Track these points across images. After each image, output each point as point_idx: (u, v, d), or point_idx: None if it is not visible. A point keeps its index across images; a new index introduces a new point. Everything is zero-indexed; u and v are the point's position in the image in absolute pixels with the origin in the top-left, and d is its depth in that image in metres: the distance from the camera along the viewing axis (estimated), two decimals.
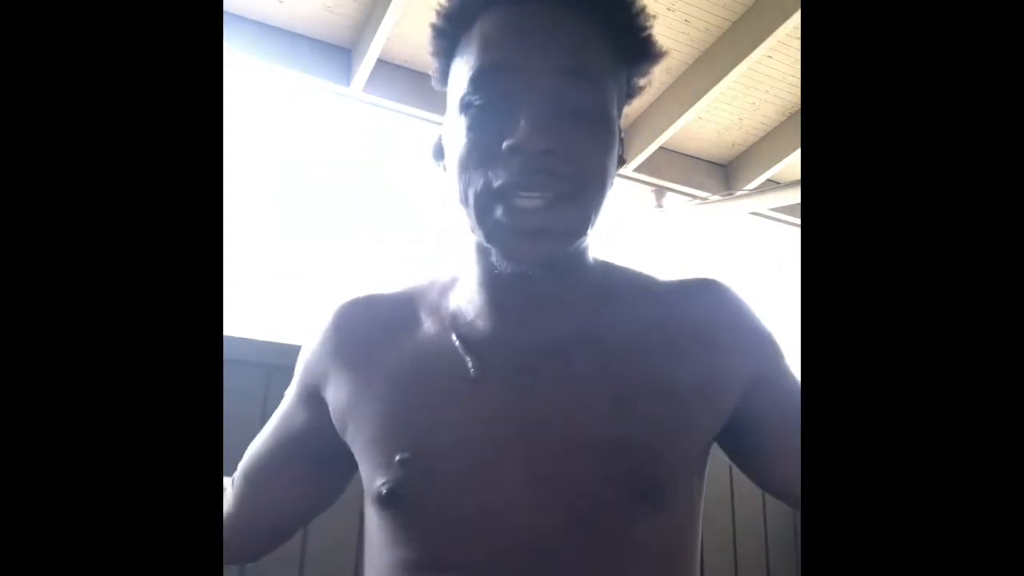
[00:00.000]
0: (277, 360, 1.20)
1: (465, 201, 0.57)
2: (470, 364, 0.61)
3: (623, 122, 0.64)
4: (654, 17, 0.60)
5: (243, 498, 0.71)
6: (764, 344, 0.66)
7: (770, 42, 3.02)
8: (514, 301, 0.63)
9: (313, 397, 0.69)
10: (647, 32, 0.61)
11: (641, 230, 4.07)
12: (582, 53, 0.57)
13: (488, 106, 0.56)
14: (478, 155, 0.56)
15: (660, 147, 3.72)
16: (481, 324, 0.63)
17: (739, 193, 4.02)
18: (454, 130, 0.59)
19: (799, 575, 1.49)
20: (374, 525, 0.63)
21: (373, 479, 0.61)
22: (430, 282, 0.70)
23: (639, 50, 0.61)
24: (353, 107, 3.42)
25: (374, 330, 0.67)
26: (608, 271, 0.68)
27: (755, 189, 3.99)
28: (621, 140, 0.63)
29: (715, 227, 4.36)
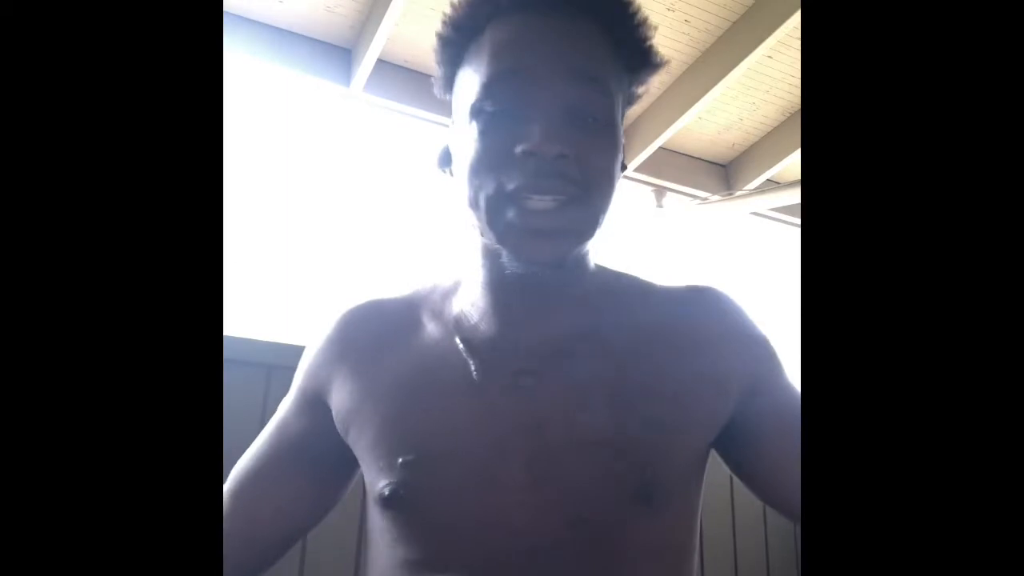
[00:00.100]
0: (277, 360, 1.20)
1: (476, 204, 0.58)
2: (473, 367, 0.61)
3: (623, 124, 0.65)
4: (655, 27, 0.62)
5: (236, 516, 0.66)
6: (761, 352, 0.66)
7: (770, 42, 3.02)
8: (518, 304, 0.63)
9: (316, 402, 0.69)
10: (649, 42, 0.63)
11: (641, 230, 4.07)
12: (592, 60, 0.59)
13: (500, 112, 0.57)
14: (490, 159, 0.57)
15: (660, 147, 3.72)
16: (484, 327, 0.64)
17: (739, 193, 4.02)
18: (464, 136, 0.60)
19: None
20: (376, 526, 0.64)
21: (376, 481, 0.62)
22: (432, 286, 0.70)
23: (641, 59, 0.63)
24: (353, 107, 3.42)
25: (378, 334, 0.67)
26: (607, 276, 0.69)
27: (755, 189, 3.99)
28: (623, 146, 0.64)
29: (715, 227, 4.36)
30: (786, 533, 1.67)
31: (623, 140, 0.63)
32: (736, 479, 0.69)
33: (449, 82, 0.65)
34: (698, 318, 0.66)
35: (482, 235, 0.61)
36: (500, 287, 0.63)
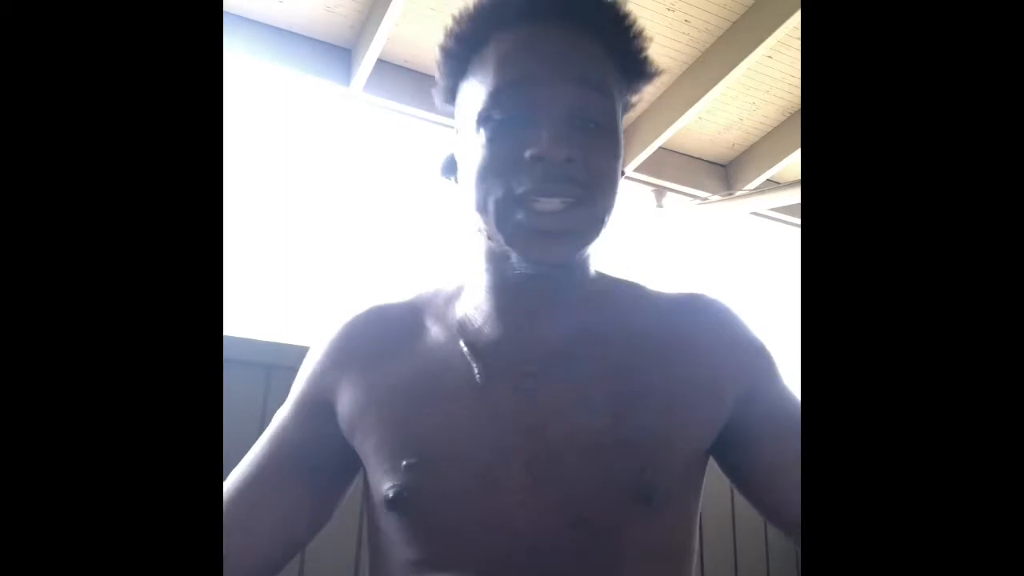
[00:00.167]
0: (277, 360, 1.20)
1: (484, 209, 0.60)
2: (476, 370, 0.62)
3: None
4: (650, 39, 0.65)
5: (236, 528, 0.64)
6: (755, 360, 0.67)
7: (770, 42, 3.02)
8: (521, 307, 0.65)
9: (319, 408, 0.68)
10: (645, 52, 0.65)
11: (641, 230, 4.07)
12: (594, 68, 0.61)
13: (508, 119, 0.59)
14: (499, 165, 0.59)
15: (660, 147, 3.72)
16: (488, 330, 0.65)
17: (739, 193, 4.02)
18: (471, 143, 0.61)
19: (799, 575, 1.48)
20: (380, 527, 0.64)
21: (381, 483, 0.62)
22: (435, 291, 0.72)
23: (638, 68, 0.65)
24: (353, 107, 3.42)
25: (383, 338, 0.68)
26: (607, 281, 0.70)
27: (755, 189, 3.99)
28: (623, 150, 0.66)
29: (715, 227, 4.36)
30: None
31: (623, 144, 0.65)
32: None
33: (451, 93, 0.67)
34: (694, 325, 0.67)
35: (490, 238, 0.62)
36: (504, 290, 0.64)
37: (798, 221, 3.62)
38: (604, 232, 0.62)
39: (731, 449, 0.66)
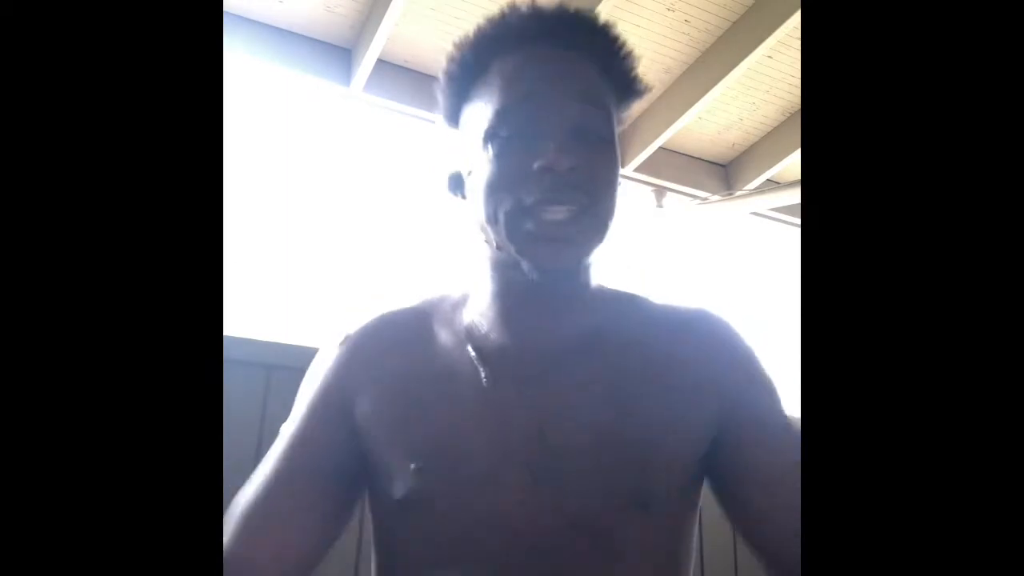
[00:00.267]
0: (277, 360, 1.20)
1: (495, 220, 0.63)
2: (483, 374, 0.65)
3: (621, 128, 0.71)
4: (639, 58, 0.69)
5: (264, 541, 0.62)
6: (744, 379, 0.68)
7: (770, 42, 3.02)
8: (524, 313, 0.67)
9: (339, 410, 0.68)
10: (635, 71, 0.69)
11: (641, 230, 4.07)
12: (593, 86, 0.65)
13: (515, 135, 0.63)
14: (508, 178, 0.62)
15: (660, 147, 3.72)
16: (494, 336, 0.67)
17: (739, 193, 4.02)
18: (479, 160, 0.65)
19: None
20: (386, 527, 0.66)
21: (390, 484, 0.64)
22: (441, 297, 0.74)
23: (629, 87, 0.69)
24: (353, 107, 3.42)
25: (395, 344, 0.70)
26: (609, 292, 0.73)
27: (755, 189, 3.99)
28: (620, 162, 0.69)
29: (715, 227, 4.36)
30: None
31: (620, 157, 0.69)
32: None
33: (455, 116, 0.71)
34: (690, 337, 0.69)
35: (499, 248, 0.65)
36: (509, 298, 0.67)
37: (798, 221, 3.62)
38: (607, 239, 0.65)
39: (715, 464, 0.66)
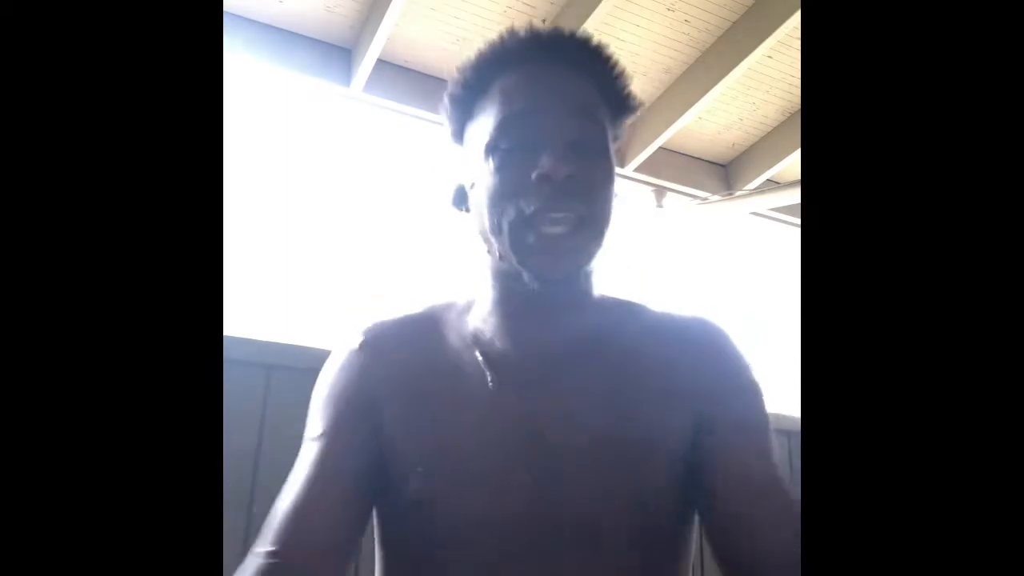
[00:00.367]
0: (277, 360, 1.20)
1: (499, 230, 0.65)
2: (489, 378, 0.67)
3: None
4: (632, 76, 0.72)
5: (292, 550, 0.62)
6: (725, 392, 0.69)
7: (770, 42, 3.02)
8: (527, 320, 0.70)
9: (363, 414, 0.69)
10: (628, 89, 0.73)
11: (641, 230, 4.06)
12: (589, 101, 0.69)
13: (514, 147, 0.66)
14: (508, 189, 0.65)
15: (660, 147, 3.72)
16: (498, 342, 0.70)
17: (739, 193, 4.02)
18: (481, 173, 0.68)
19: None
20: (390, 527, 0.69)
21: (396, 486, 0.66)
22: (447, 305, 0.77)
23: (623, 104, 0.73)
24: (353, 107, 3.42)
25: (413, 349, 0.72)
26: (609, 300, 0.75)
27: (755, 189, 3.99)
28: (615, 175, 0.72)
29: (715, 227, 4.36)
30: None
31: (615, 169, 0.72)
32: None
33: (459, 134, 0.74)
34: (685, 346, 0.71)
35: (501, 259, 0.68)
36: (510, 305, 0.70)
37: (798, 221, 3.62)
38: (603, 248, 0.68)
39: (693, 474, 0.67)
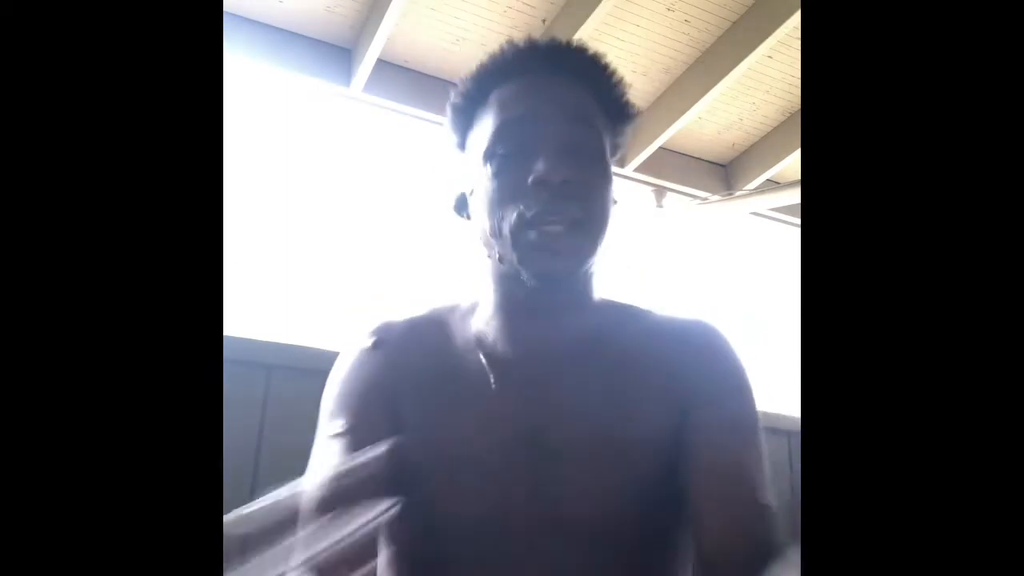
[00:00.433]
0: (277, 360, 1.20)
1: (499, 234, 0.67)
2: (492, 379, 0.69)
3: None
4: (630, 85, 0.75)
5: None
6: (713, 396, 0.69)
7: (770, 42, 3.02)
8: (528, 322, 0.71)
9: (381, 410, 0.70)
10: (626, 97, 0.74)
11: (641, 230, 4.07)
12: (583, 107, 0.70)
13: (511, 153, 0.68)
14: (507, 194, 0.67)
15: (660, 147, 3.72)
16: (500, 343, 0.71)
17: (739, 193, 4.02)
18: (481, 179, 0.70)
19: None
20: (392, 525, 0.68)
21: (400, 483, 0.65)
22: (451, 307, 0.79)
23: (621, 111, 0.74)
24: (353, 107, 3.42)
25: (425, 348, 0.74)
26: (609, 303, 0.77)
27: (755, 189, 3.99)
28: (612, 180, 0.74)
29: (715, 227, 4.36)
30: (786, 532, 1.67)
31: (612, 176, 0.73)
32: None
33: (461, 144, 0.76)
34: (683, 348, 0.72)
35: (501, 261, 0.69)
36: (511, 308, 0.71)
37: (798, 221, 3.61)
38: (600, 250, 0.69)
39: (679, 463, 0.68)
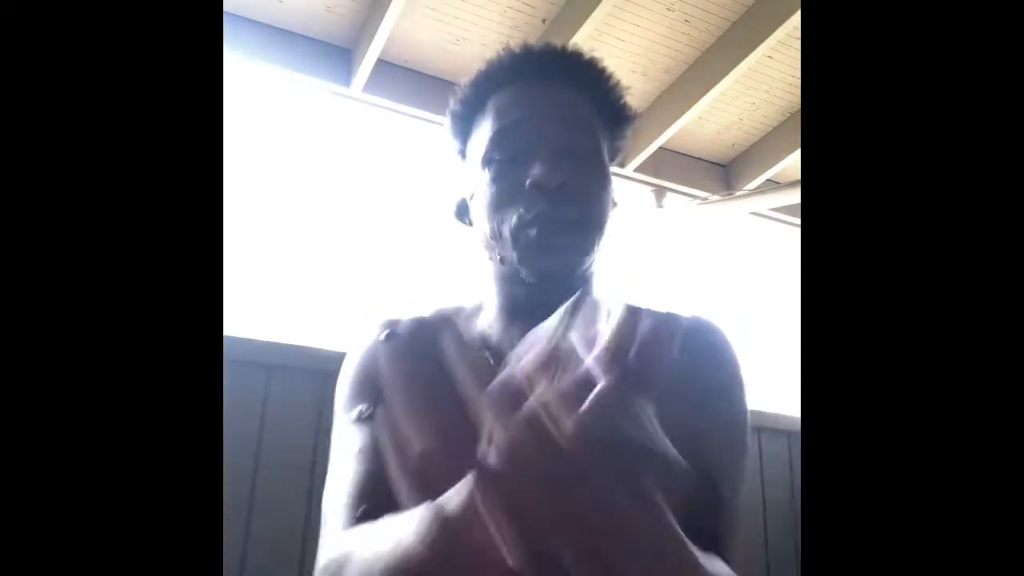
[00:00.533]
0: (277, 360, 1.20)
1: (499, 236, 0.68)
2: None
3: None
4: (627, 88, 0.75)
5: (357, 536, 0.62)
6: (713, 393, 0.70)
7: (770, 42, 3.02)
8: (530, 323, 0.71)
9: (402, 394, 0.71)
10: (623, 100, 0.75)
11: (641, 230, 4.06)
12: (581, 112, 0.71)
13: (508, 158, 0.69)
14: (505, 198, 0.68)
15: (660, 147, 3.72)
16: (504, 343, 0.73)
17: (739, 193, 4.02)
18: (480, 184, 0.71)
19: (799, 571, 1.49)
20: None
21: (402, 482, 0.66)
22: (456, 308, 0.80)
23: (618, 114, 0.75)
24: (353, 107, 3.42)
25: (436, 345, 0.75)
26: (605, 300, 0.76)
27: (755, 189, 3.99)
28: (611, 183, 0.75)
29: (715, 227, 4.36)
30: (786, 532, 1.67)
31: (611, 178, 0.73)
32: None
33: (463, 150, 0.77)
34: (684, 346, 0.72)
35: (502, 262, 0.70)
36: (514, 309, 0.73)
37: (798, 221, 3.62)
38: (598, 248, 0.70)
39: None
